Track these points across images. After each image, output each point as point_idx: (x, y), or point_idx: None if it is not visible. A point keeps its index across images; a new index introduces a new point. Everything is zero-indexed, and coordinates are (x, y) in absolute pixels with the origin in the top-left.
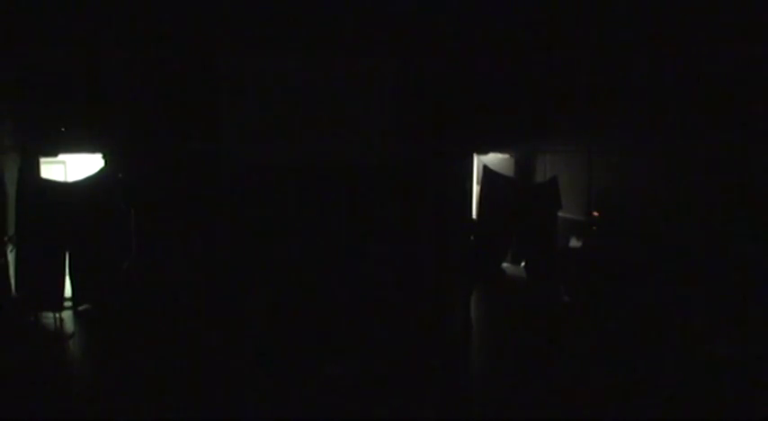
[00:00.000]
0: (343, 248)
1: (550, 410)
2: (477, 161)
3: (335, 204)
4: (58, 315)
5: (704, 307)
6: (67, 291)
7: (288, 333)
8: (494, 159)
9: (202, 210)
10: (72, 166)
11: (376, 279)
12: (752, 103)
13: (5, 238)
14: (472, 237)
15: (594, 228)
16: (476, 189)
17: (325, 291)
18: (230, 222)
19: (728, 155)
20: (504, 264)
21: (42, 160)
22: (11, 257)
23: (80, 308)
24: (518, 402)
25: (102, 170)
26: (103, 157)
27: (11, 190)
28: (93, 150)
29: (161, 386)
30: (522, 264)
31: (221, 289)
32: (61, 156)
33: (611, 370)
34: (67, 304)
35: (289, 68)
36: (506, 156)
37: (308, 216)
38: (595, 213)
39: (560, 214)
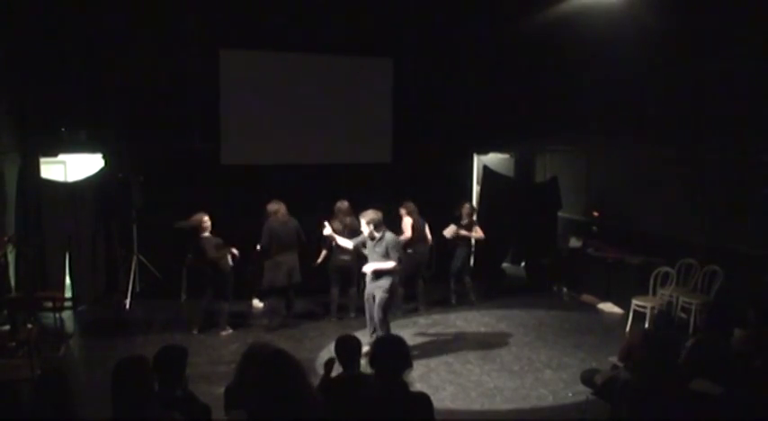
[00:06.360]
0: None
1: None
2: (477, 161)
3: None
4: (57, 315)
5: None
6: (67, 291)
7: None
8: (494, 159)
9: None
10: (72, 166)
11: None
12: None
13: (5, 238)
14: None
15: (594, 228)
16: (476, 189)
17: None
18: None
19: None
20: (504, 264)
21: (42, 160)
22: (11, 257)
23: (80, 308)
24: None
25: (102, 170)
26: (103, 157)
27: (11, 190)
28: (93, 150)
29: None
30: (522, 264)
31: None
32: (61, 156)
33: None
34: (67, 304)
35: (288, 68)
36: (506, 156)
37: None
38: (595, 213)
39: (560, 214)
